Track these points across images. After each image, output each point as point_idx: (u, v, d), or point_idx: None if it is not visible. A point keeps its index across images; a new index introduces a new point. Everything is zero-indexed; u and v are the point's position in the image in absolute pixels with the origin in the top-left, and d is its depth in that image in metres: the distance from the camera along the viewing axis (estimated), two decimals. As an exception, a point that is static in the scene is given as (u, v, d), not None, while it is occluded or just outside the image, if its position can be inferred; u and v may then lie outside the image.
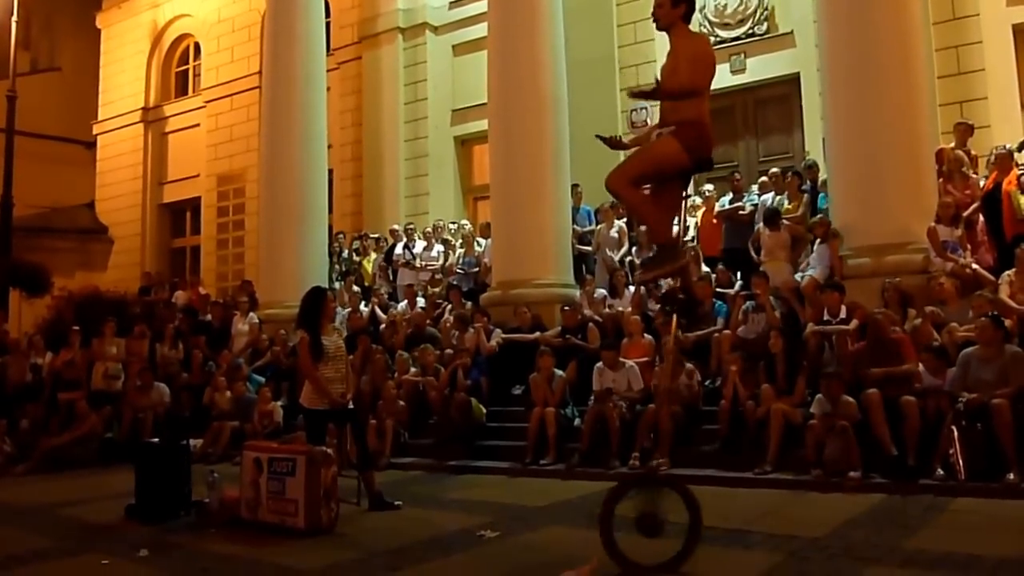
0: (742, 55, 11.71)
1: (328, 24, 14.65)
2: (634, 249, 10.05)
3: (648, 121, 10.91)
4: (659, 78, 4.04)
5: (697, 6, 4.30)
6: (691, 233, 9.60)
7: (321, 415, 5.98)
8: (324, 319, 6.18)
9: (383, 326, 10.68)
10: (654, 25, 4.14)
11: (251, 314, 11.71)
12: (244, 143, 16.44)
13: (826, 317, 7.40)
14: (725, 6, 11.91)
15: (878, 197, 7.74)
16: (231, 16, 17.24)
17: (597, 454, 7.37)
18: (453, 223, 12.52)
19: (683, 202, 4.30)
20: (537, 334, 9.02)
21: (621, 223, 10.22)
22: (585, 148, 10.61)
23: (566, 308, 9.13)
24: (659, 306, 4.10)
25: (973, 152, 8.61)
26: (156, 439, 7.20)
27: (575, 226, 10.58)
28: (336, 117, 14.53)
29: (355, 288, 11.69)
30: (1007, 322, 6.46)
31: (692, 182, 4.68)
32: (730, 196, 9.89)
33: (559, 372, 8.07)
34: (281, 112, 12.55)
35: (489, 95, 10.62)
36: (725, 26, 11.89)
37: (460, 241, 11.79)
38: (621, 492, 4.11)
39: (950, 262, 7.37)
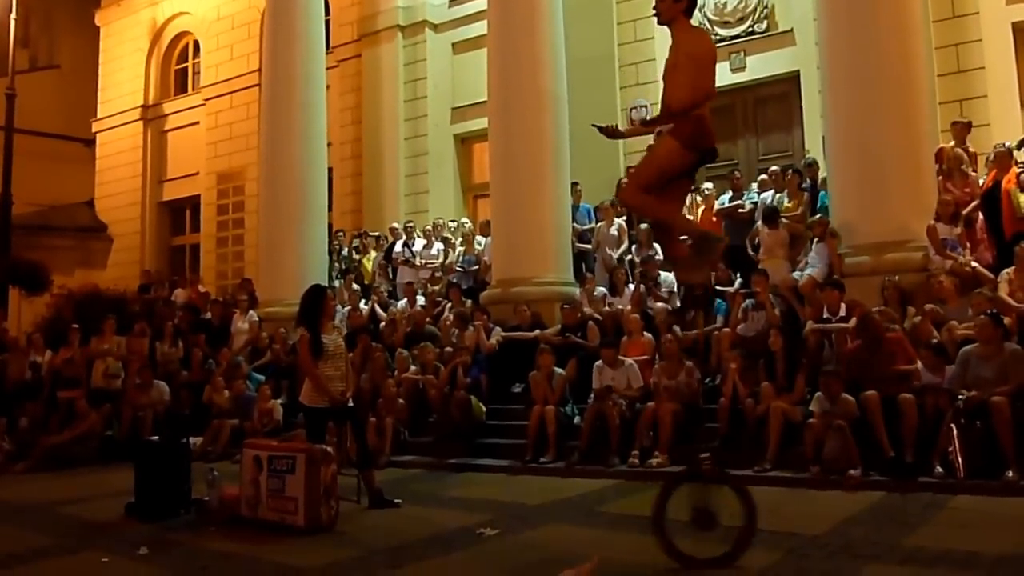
0: (742, 53, 11.70)
1: (328, 22, 14.64)
2: (634, 247, 10.05)
3: (647, 117, 10.89)
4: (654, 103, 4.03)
5: (697, 4, 4.27)
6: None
7: (321, 413, 5.98)
8: (324, 317, 6.18)
9: (383, 324, 10.68)
10: (655, 20, 4.13)
11: (251, 312, 11.71)
12: (244, 141, 16.43)
13: (825, 315, 7.41)
14: (725, 4, 11.89)
15: (878, 195, 7.74)
16: (230, 14, 17.23)
17: (597, 452, 7.37)
18: (453, 221, 12.53)
19: (692, 195, 4.32)
20: (537, 332, 9.02)
21: (621, 221, 10.22)
22: (585, 146, 10.65)
23: (566, 306, 9.13)
24: (680, 307, 4.06)
25: (972, 149, 8.60)
26: (156, 437, 7.20)
27: (575, 224, 10.57)
28: (336, 115, 14.51)
29: (355, 286, 11.69)
30: (1006, 320, 6.46)
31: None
32: (730, 194, 9.89)
33: (559, 370, 8.07)
34: (281, 110, 12.54)
35: (489, 93, 10.61)
36: (725, 24, 11.88)
37: (460, 239, 11.79)
38: (673, 487, 4.10)
39: (949, 260, 7.37)
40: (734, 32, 11.84)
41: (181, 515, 5.95)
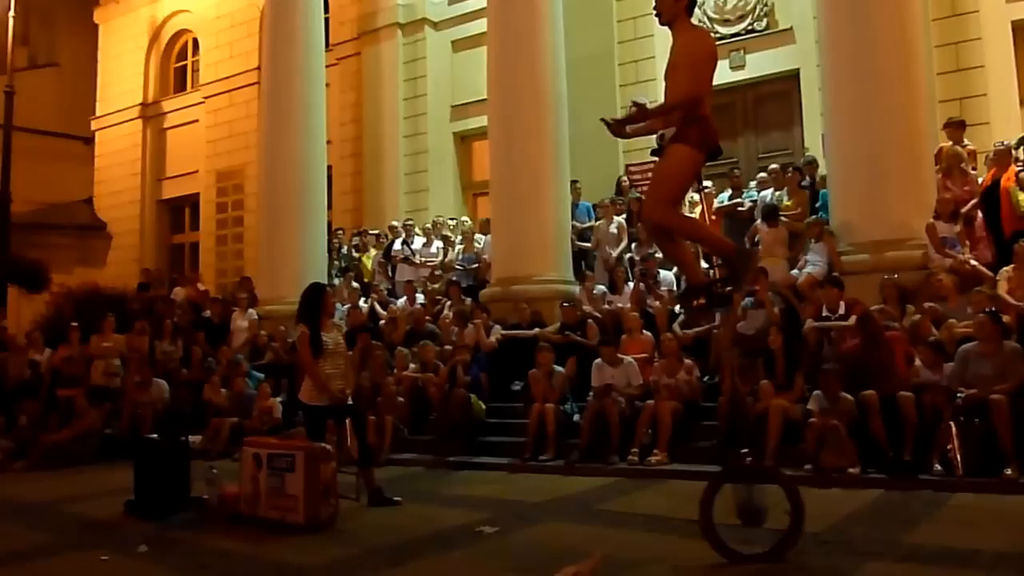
0: (742, 51, 11.71)
1: (327, 20, 14.64)
2: (634, 245, 10.05)
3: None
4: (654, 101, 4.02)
5: (697, 2, 4.27)
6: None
7: (320, 411, 5.98)
8: (324, 315, 6.18)
9: (383, 322, 10.68)
10: (656, 19, 4.12)
11: (250, 310, 11.71)
12: (243, 139, 16.42)
13: (825, 313, 7.41)
14: (725, 2, 11.89)
15: (877, 193, 7.74)
16: (230, 11, 17.21)
17: (596, 450, 7.37)
18: (452, 219, 12.53)
19: (690, 193, 4.31)
20: (536, 330, 9.02)
21: (620, 219, 10.22)
22: (585, 144, 10.65)
23: (566, 304, 9.13)
24: (703, 304, 4.02)
25: (971, 147, 8.60)
26: (155, 435, 7.19)
27: (574, 222, 10.57)
28: (335, 113, 14.50)
29: (354, 284, 11.69)
30: (1005, 318, 6.47)
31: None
32: (729, 192, 9.90)
33: (559, 368, 8.08)
34: (280, 108, 12.53)
35: (489, 91, 10.61)
36: (725, 22, 11.88)
37: (459, 237, 11.79)
38: (720, 483, 4.10)
39: (949, 258, 7.38)
40: (734, 30, 11.84)
41: (180, 513, 5.93)
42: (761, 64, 11.64)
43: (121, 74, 19.04)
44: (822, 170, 9.08)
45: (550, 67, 10.23)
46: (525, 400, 8.16)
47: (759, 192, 9.60)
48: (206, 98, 17.36)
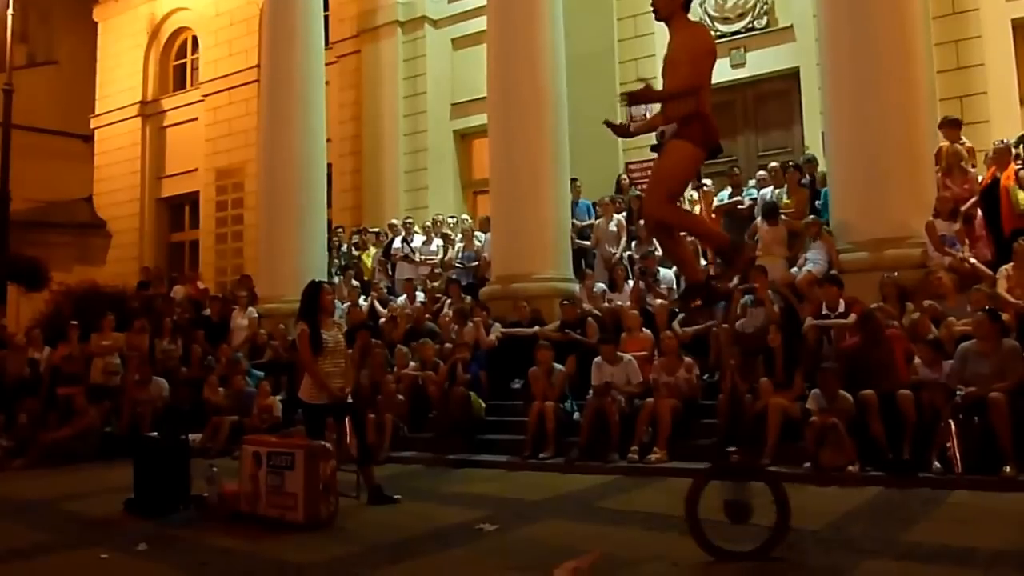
0: (742, 49, 11.70)
1: (327, 18, 14.62)
2: (633, 243, 10.05)
3: (647, 114, 10.88)
4: (655, 77, 4.02)
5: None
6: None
7: (320, 409, 5.99)
8: (323, 313, 6.18)
9: (382, 320, 10.68)
10: (654, 16, 4.12)
11: (250, 309, 11.71)
12: (243, 137, 16.40)
13: (824, 311, 7.41)
14: (725, 0, 11.88)
15: (877, 192, 7.74)
16: (229, 9, 17.19)
17: (596, 448, 7.38)
18: (452, 217, 12.52)
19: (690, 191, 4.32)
20: (536, 328, 9.02)
21: (620, 217, 10.22)
22: (584, 142, 10.65)
23: (565, 302, 9.13)
24: (700, 306, 4.04)
25: (970, 145, 8.60)
26: (155, 433, 7.21)
27: (574, 220, 10.57)
28: (335, 111, 14.49)
29: (354, 282, 11.69)
30: (1004, 316, 6.47)
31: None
32: (729, 191, 9.89)
33: (558, 366, 8.08)
34: (280, 106, 12.52)
35: (489, 89, 10.60)
36: (725, 20, 11.87)
37: (459, 235, 11.79)
38: (706, 481, 4.11)
39: (948, 256, 7.38)
40: (734, 28, 11.83)
41: (180, 511, 5.95)
42: (761, 62, 11.64)
43: (120, 72, 19.02)
44: (822, 168, 9.08)
45: (550, 65, 10.22)
46: (525, 398, 8.16)
47: (759, 190, 9.60)
48: (205, 96, 17.33)
